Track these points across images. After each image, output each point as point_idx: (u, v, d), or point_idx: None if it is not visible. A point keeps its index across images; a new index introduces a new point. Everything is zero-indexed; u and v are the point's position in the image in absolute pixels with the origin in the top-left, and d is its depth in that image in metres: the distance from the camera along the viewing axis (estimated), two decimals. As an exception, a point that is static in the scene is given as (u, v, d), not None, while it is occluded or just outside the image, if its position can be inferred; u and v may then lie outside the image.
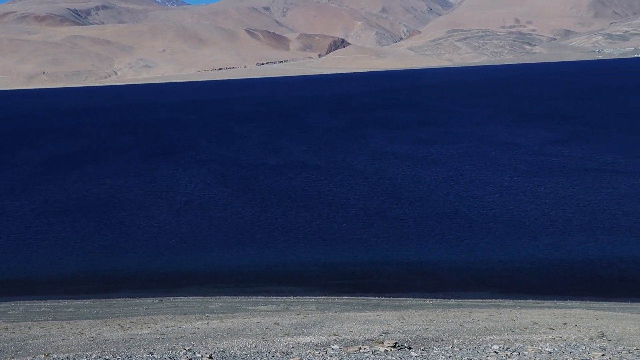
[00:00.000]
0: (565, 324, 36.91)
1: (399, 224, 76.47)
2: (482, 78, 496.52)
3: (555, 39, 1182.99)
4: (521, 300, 52.61)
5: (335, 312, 47.71)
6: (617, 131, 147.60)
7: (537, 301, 52.40)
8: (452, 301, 53.07)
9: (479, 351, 25.30)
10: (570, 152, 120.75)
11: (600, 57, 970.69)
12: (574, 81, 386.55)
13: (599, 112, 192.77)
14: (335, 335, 32.76)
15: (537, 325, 36.12)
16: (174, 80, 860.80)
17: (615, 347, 25.65)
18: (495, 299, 53.79)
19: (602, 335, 29.31)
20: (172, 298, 56.21)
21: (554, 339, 28.89)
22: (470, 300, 53.42)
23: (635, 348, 25.27)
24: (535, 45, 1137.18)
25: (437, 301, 53.11)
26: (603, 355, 23.52)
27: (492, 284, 58.21)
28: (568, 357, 23.58)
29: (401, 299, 54.42)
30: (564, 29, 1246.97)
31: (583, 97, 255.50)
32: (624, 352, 24.18)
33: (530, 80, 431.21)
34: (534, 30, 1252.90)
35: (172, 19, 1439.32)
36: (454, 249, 67.26)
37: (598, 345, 26.16)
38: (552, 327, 35.00)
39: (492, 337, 30.04)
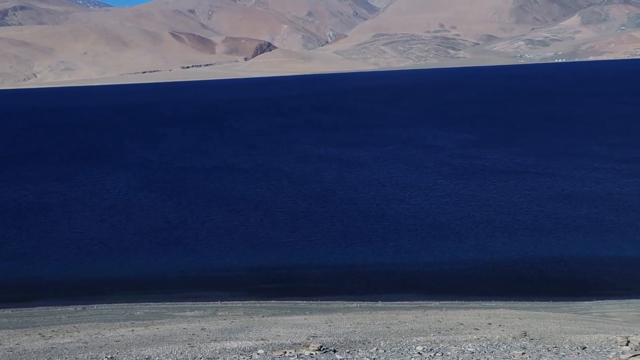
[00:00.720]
0: (490, 324, 37.34)
1: (327, 227, 76.52)
2: (408, 82, 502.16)
3: (478, 44, 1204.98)
4: (447, 302, 53.10)
5: (263, 316, 47.39)
6: (537, 134, 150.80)
7: (463, 302, 52.97)
8: (380, 303, 53.25)
9: (404, 353, 25.35)
10: (493, 154, 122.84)
11: (522, 61, 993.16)
12: (497, 85, 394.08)
13: (521, 116, 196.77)
14: (262, 339, 32.45)
15: (462, 326, 36.43)
16: (96, 84, 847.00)
17: (535, 345, 26.01)
18: (422, 300, 54.16)
19: (525, 334, 29.69)
20: (95, 305, 54.98)
21: (478, 339, 29.14)
22: (397, 302, 53.69)
23: (553, 346, 25.67)
24: (459, 49, 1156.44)
25: (365, 304, 53.22)
26: (523, 354, 23.81)
27: (419, 286, 58.64)
28: (490, 356, 23.80)
29: (329, 302, 54.37)
30: (487, 34, 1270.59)
31: (505, 101, 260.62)
32: (543, 350, 24.52)
33: (455, 84, 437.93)
34: (457, 35, 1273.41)
35: (94, 21, 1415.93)
36: (380, 251, 67.58)
37: (519, 344, 26.49)
38: (477, 327, 35.35)
39: (418, 339, 30.16)
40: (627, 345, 24.13)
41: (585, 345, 24.94)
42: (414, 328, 36.30)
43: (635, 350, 22.51)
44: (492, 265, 62.56)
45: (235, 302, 55.30)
